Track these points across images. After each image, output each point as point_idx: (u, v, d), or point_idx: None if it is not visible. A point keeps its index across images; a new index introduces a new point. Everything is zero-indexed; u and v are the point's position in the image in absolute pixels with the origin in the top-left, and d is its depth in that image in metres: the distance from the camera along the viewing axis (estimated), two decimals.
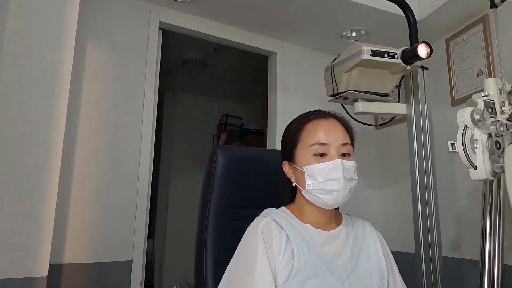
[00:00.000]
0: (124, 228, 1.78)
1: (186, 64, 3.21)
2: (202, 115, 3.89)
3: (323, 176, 0.94)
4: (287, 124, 1.07)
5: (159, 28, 2.01)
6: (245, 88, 3.67)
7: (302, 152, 0.98)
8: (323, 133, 0.96)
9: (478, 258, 1.29)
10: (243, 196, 1.20)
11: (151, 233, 3.60)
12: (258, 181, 1.22)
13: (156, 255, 3.56)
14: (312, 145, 0.96)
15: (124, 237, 1.78)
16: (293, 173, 1.02)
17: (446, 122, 1.83)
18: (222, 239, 1.12)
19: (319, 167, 0.94)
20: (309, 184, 0.95)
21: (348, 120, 1.05)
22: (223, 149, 1.21)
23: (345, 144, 0.96)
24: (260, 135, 3.37)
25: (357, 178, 0.97)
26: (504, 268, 1.24)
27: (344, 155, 0.96)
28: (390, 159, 2.33)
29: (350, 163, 0.95)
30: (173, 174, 3.70)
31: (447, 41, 1.98)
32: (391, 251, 1.09)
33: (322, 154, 0.95)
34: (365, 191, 2.33)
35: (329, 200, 0.95)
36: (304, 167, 0.96)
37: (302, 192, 0.99)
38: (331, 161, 0.94)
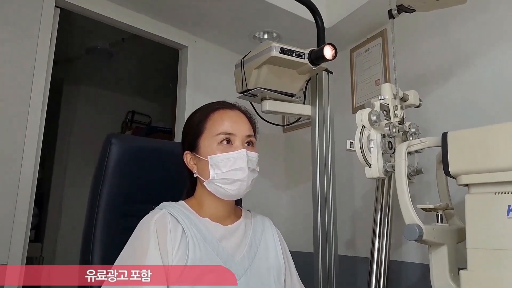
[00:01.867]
0: None
1: (90, 53, 2.96)
2: (105, 111, 3.61)
3: (228, 166, 0.92)
4: None
5: (56, 6, 1.80)
6: (154, 84, 3.51)
7: (207, 141, 0.95)
8: (230, 123, 0.95)
9: (368, 255, 1.36)
10: (139, 190, 1.11)
11: (40, 238, 3.26)
12: (155, 174, 1.14)
13: (45, 261, 3.20)
14: (218, 134, 0.94)
15: None
16: (195, 164, 0.98)
17: (347, 128, 1.92)
18: (112, 237, 1.01)
19: (224, 157, 0.92)
20: (213, 174, 0.93)
21: (251, 113, 1.05)
22: (118, 138, 1.11)
23: (249, 136, 0.97)
24: (169, 134, 3.24)
25: (258, 171, 0.98)
26: (390, 263, 1.33)
27: (248, 146, 0.96)
28: (295, 161, 2.39)
29: (253, 154, 0.96)
30: (68, 175, 3.36)
31: (351, 51, 2.10)
32: (293, 251, 1.10)
33: (228, 144, 0.94)
34: (271, 192, 2.35)
35: (232, 190, 0.93)
36: (208, 157, 0.93)
37: (204, 183, 0.95)
38: (236, 151, 0.93)
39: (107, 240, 1.01)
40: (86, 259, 0.99)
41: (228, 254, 0.91)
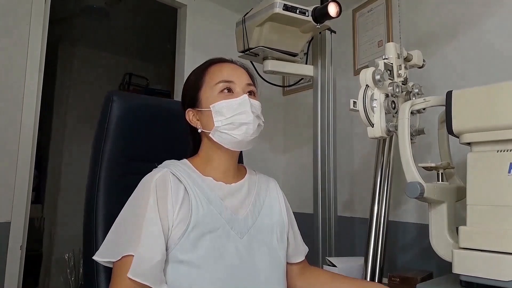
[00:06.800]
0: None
1: (85, 13, 2.88)
2: (102, 73, 3.55)
3: (232, 111, 0.91)
4: None
5: None
6: (151, 45, 3.43)
7: (208, 92, 0.93)
8: (228, 72, 0.94)
9: (367, 216, 1.38)
10: (141, 148, 1.10)
11: (40, 199, 3.29)
12: (158, 132, 1.13)
13: (46, 222, 3.25)
14: (217, 83, 0.92)
15: (1, 198, 1.56)
16: (198, 119, 0.96)
17: (348, 90, 1.91)
18: (115, 195, 1.01)
19: (227, 103, 0.91)
20: (217, 121, 0.91)
21: (249, 68, 1.03)
22: (119, 95, 1.08)
23: (250, 85, 0.96)
24: (167, 97, 3.21)
25: (263, 120, 0.96)
26: (388, 224, 1.35)
27: (250, 96, 0.94)
28: (295, 125, 2.39)
29: (256, 102, 0.94)
30: (67, 138, 3.35)
31: (354, 11, 2.04)
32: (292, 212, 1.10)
33: (229, 91, 0.92)
34: (269, 155, 2.36)
35: (238, 136, 0.91)
36: (210, 105, 0.92)
37: (209, 134, 0.93)
38: (239, 97, 0.92)
39: (110, 197, 1.01)
40: (89, 219, 0.99)
41: (231, 212, 0.90)
